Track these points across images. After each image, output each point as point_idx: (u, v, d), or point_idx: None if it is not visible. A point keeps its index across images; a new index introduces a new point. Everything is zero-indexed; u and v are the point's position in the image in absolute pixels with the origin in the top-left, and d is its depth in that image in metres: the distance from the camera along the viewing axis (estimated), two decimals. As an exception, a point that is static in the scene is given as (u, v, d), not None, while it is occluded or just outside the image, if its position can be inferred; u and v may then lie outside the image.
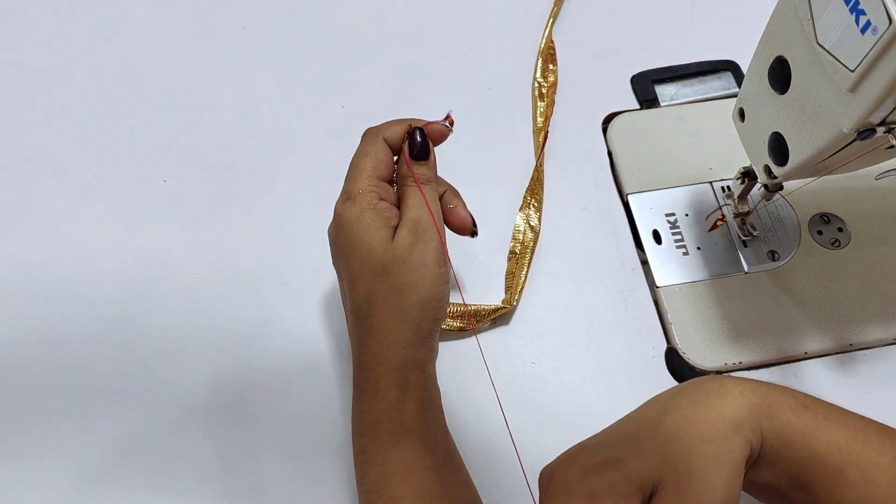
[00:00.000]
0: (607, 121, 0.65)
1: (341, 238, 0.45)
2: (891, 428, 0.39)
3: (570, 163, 0.63)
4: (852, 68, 0.36)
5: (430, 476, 0.43)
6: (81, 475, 0.51)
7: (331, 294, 0.57)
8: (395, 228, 0.44)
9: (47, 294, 0.57)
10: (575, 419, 0.53)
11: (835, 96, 0.38)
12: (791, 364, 0.55)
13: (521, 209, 0.60)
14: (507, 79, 0.68)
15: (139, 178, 0.63)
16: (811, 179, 0.47)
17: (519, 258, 0.58)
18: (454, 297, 0.49)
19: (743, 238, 0.57)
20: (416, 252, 0.43)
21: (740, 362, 0.54)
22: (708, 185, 0.59)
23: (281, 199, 0.62)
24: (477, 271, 0.58)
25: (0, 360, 0.55)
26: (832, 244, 0.57)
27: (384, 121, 0.48)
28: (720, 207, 0.58)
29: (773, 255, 0.57)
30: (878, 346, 0.56)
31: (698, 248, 0.58)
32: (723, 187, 0.60)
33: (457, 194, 0.49)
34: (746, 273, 0.56)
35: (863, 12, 0.35)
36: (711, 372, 0.54)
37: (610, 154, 0.63)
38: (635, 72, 0.67)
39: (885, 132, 0.38)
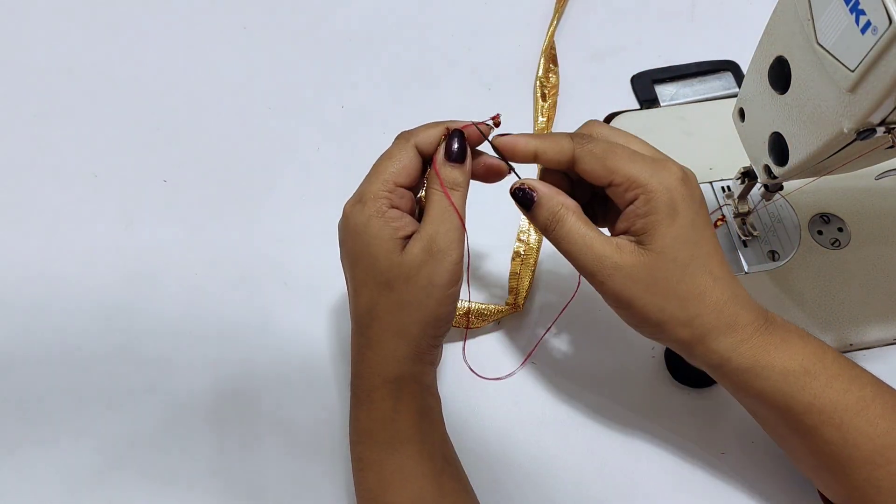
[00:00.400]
0: (607, 121, 0.65)
1: (348, 242, 0.43)
2: None
3: (570, 163, 0.63)
4: (852, 68, 0.36)
5: (428, 483, 0.43)
6: (81, 475, 0.51)
7: (331, 294, 0.57)
8: (409, 237, 0.42)
9: (47, 294, 0.57)
10: (575, 419, 0.53)
11: (835, 96, 0.38)
12: (791, 364, 0.55)
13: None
14: (508, 79, 0.68)
15: (139, 178, 0.63)
16: (811, 179, 0.47)
17: (524, 259, 0.58)
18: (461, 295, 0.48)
19: (743, 238, 0.57)
20: (425, 271, 0.41)
21: (740, 362, 0.54)
22: (708, 185, 0.59)
23: (281, 199, 0.62)
24: (479, 270, 0.58)
25: None
26: (832, 244, 0.57)
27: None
28: (720, 207, 0.58)
29: (773, 255, 0.57)
30: (878, 346, 0.55)
31: (698, 248, 0.58)
32: (723, 187, 0.59)
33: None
34: (746, 273, 0.56)
35: (863, 12, 0.35)
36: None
37: (610, 154, 0.63)
38: (635, 72, 0.67)
39: (885, 132, 0.38)
